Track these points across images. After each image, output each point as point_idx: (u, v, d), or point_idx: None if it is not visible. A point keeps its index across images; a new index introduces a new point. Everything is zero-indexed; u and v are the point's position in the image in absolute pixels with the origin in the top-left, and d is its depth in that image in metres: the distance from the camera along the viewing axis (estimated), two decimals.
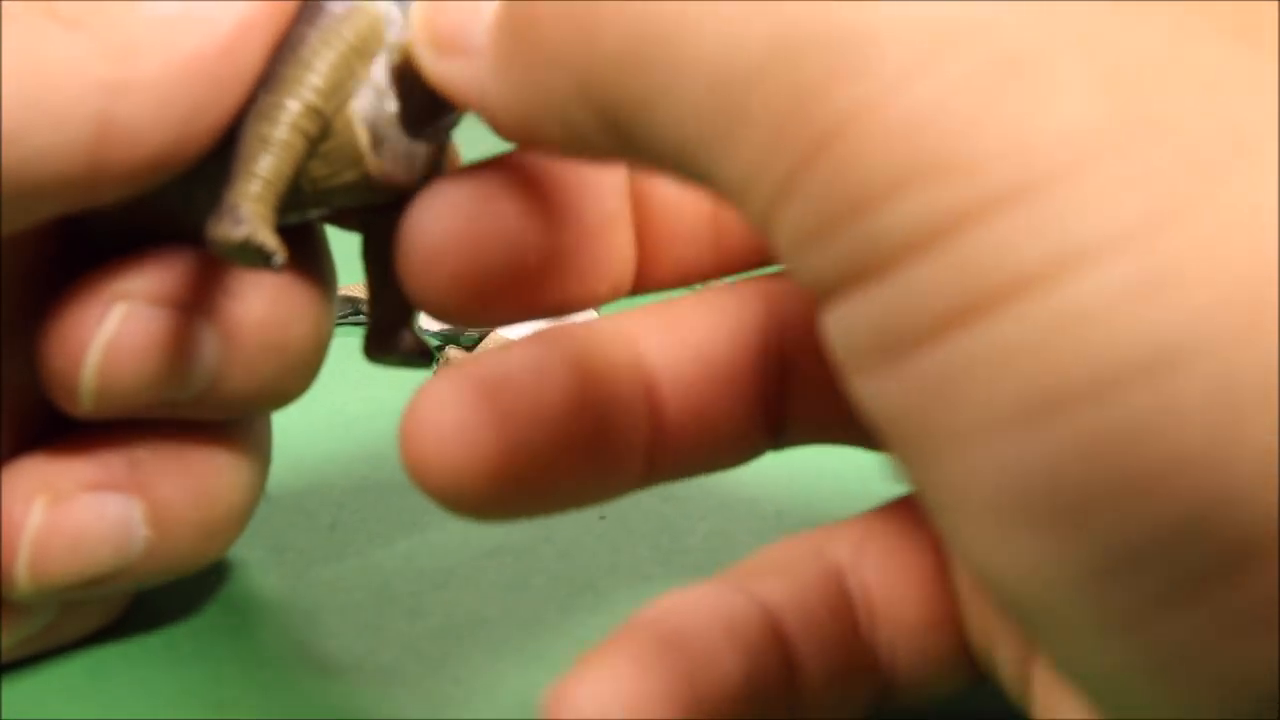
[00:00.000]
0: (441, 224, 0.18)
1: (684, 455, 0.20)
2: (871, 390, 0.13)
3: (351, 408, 0.32)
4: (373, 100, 0.19)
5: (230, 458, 0.22)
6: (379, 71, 0.19)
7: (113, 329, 0.20)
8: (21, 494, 0.21)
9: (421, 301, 0.19)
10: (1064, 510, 0.11)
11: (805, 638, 0.19)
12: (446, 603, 0.25)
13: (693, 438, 0.20)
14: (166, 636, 0.24)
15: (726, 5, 0.13)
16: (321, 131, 0.19)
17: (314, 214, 0.20)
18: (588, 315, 0.40)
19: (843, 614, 0.20)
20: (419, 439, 0.18)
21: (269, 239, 0.18)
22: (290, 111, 0.18)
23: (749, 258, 0.22)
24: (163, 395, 0.21)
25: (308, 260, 0.22)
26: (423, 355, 0.21)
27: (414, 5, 0.19)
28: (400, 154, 0.19)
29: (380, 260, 0.20)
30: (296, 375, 0.22)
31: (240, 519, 0.23)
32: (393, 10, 0.19)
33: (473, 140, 0.21)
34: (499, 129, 0.17)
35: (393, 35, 0.19)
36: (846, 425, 0.21)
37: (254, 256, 0.18)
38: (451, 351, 0.32)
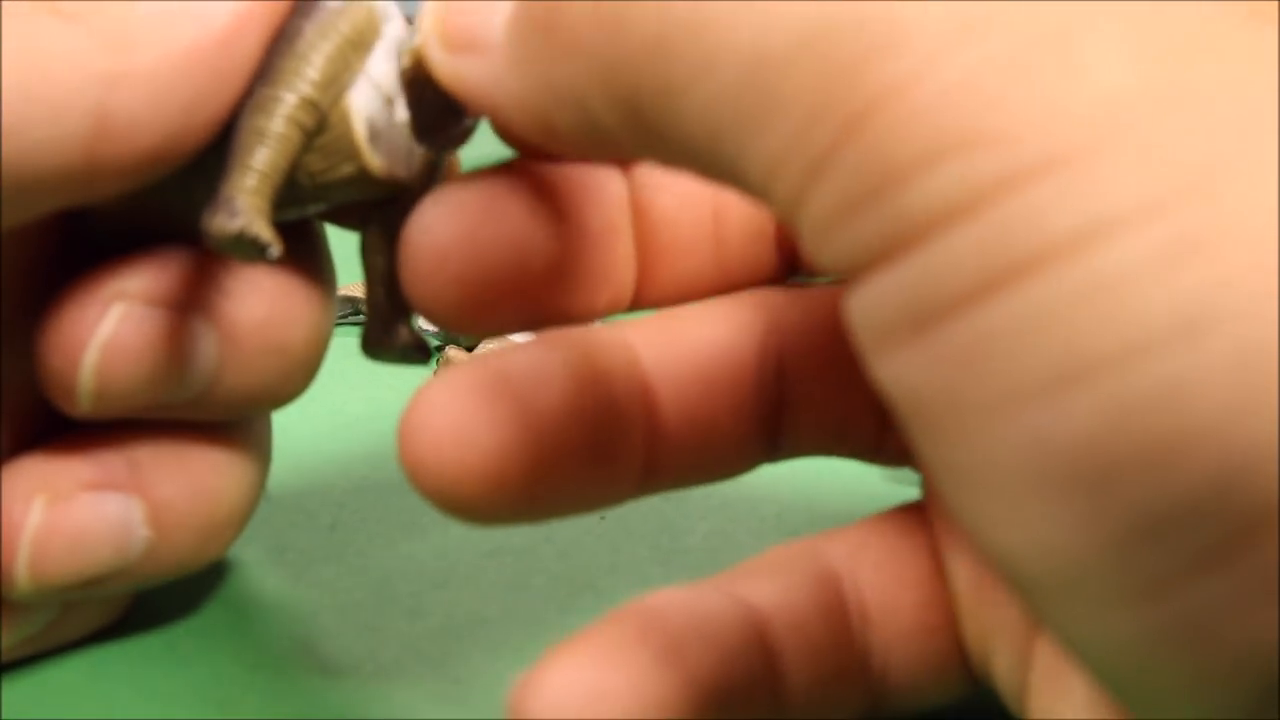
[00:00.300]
0: (444, 232, 0.18)
1: (680, 464, 0.20)
2: (898, 367, 0.13)
3: (351, 408, 0.32)
4: (369, 94, 0.19)
5: (230, 458, 0.22)
6: (376, 65, 0.19)
7: (110, 329, 0.20)
8: (21, 493, 0.21)
9: (423, 308, 0.19)
10: (1090, 479, 0.11)
11: (793, 641, 0.19)
12: (446, 603, 0.25)
13: (690, 447, 0.20)
14: (166, 636, 0.24)
15: None
16: (318, 125, 0.19)
17: (312, 209, 0.20)
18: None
19: (835, 618, 0.19)
20: (418, 441, 0.18)
21: (264, 231, 0.18)
22: (286, 104, 0.18)
23: (748, 272, 0.22)
24: (161, 396, 0.21)
25: (307, 260, 0.22)
26: (420, 352, 0.21)
27: (425, 5, 0.19)
28: (398, 148, 0.19)
29: (378, 256, 0.20)
30: (295, 376, 0.22)
31: (240, 519, 0.23)
32: (389, 5, 0.19)
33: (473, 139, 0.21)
34: (512, 127, 0.17)
35: (389, 29, 0.19)
36: (842, 439, 0.22)
37: (249, 249, 0.18)
38: (451, 350, 0.32)
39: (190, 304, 0.20)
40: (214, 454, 0.22)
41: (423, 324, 0.21)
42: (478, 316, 0.19)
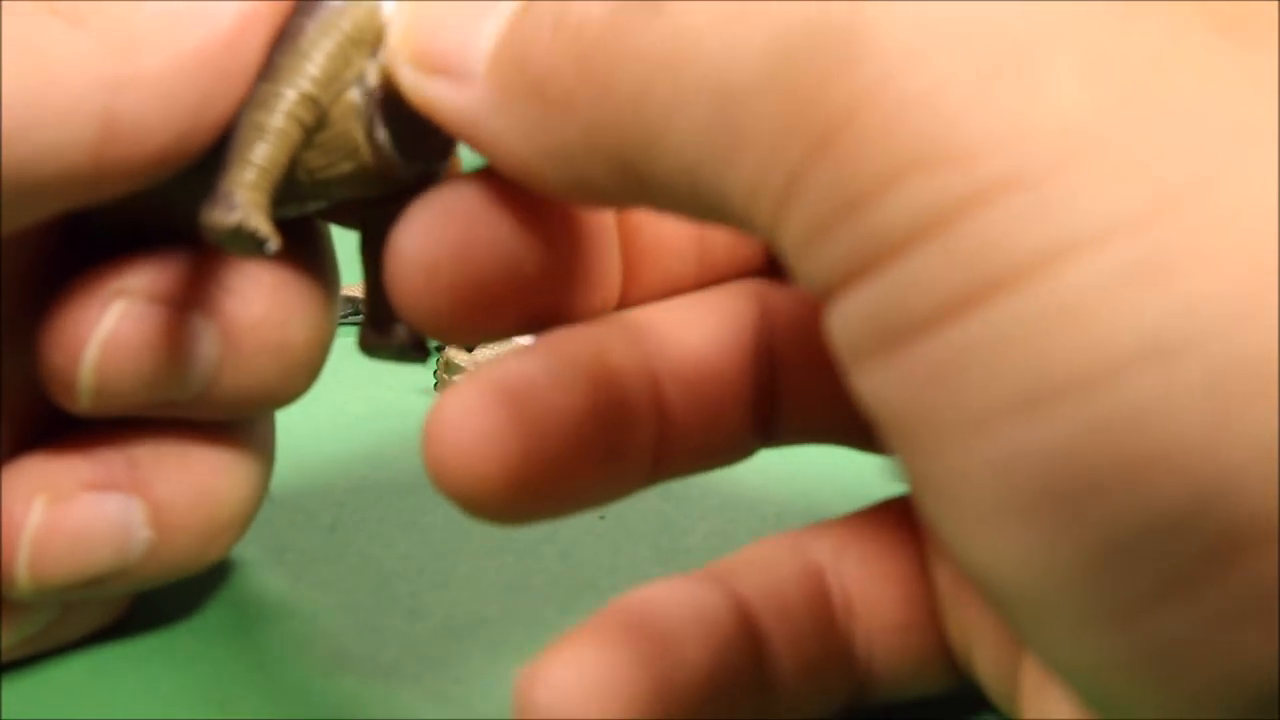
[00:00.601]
0: (433, 241, 0.18)
1: (685, 454, 0.21)
2: (872, 383, 0.13)
3: (352, 408, 0.32)
4: (370, 92, 0.19)
5: (233, 459, 0.22)
6: (377, 63, 0.19)
7: (110, 325, 0.20)
8: (22, 493, 0.21)
9: (412, 319, 0.18)
10: (1059, 499, 0.11)
11: (780, 631, 0.19)
12: (446, 603, 0.25)
13: (693, 437, 0.20)
14: (167, 636, 0.24)
15: (722, 22, 0.13)
16: (318, 121, 0.19)
17: (312, 206, 0.20)
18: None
19: (820, 610, 0.20)
20: (441, 445, 0.18)
21: (262, 225, 0.18)
22: (286, 100, 0.18)
23: (732, 269, 0.22)
24: (161, 394, 0.21)
25: (309, 260, 0.22)
26: (418, 350, 0.21)
27: (391, 8, 0.18)
28: (413, 133, 0.19)
29: (377, 253, 0.20)
30: (296, 375, 0.22)
31: (242, 521, 0.23)
32: (392, 4, 0.19)
33: None
34: (497, 167, 0.17)
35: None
36: (835, 425, 0.22)
37: (247, 243, 0.18)
38: (450, 349, 0.32)
39: (191, 301, 0.20)
40: (216, 455, 0.22)
41: None
42: (469, 325, 0.18)
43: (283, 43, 0.19)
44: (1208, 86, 0.11)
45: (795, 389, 0.21)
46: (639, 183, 0.15)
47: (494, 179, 0.19)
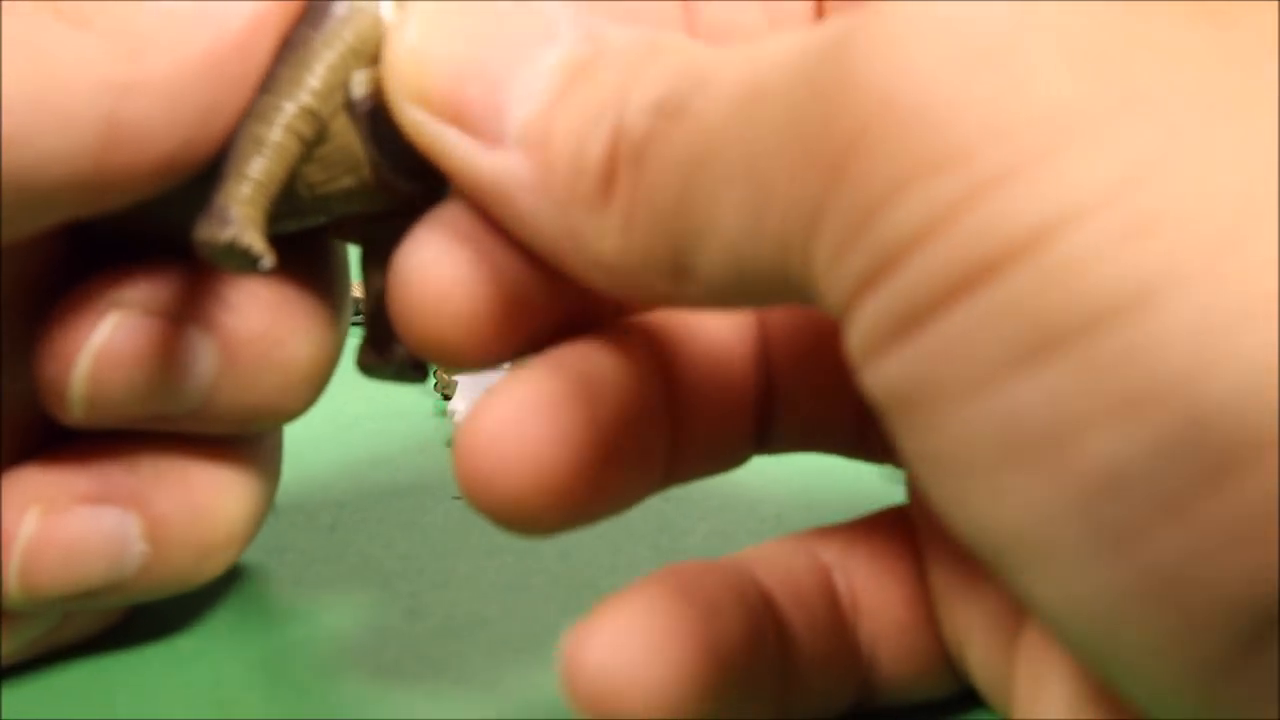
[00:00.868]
0: (438, 265, 0.17)
1: (694, 459, 0.21)
2: (883, 373, 0.13)
3: (352, 408, 0.32)
4: (360, 103, 0.19)
5: (234, 476, 0.22)
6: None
7: (104, 337, 0.20)
8: (16, 503, 0.21)
9: (415, 344, 0.18)
10: (1059, 440, 0.12)
11: (798, 615, 0.19)
12: (446, 603, 0.25)
13: (703, 441, 0.21)
14: (167, 637, 0.24)
15: (740, 108, 0.14)
16: (318, 135, 0.18)
17: (313, 221, 0.20)
18: None
19: (831, 604, 0.20)
20: (477, 457, 0.18)
21: (256, 242, 0.17)
22: (285, 113, 0.18)
23: None
24: (155, 407, 0.20)
25: (316, 277, 0.21)
26: (417, 370, 0.21)
27: (387, 9, 0.18)
28: (407, 154, 0.19)
29: (379, 271, 0.20)
30: (297, 393, 0.21)
31: (241, 539, 0.23)
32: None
33: None
34: (516, 238, 0.17)
35: None
36: (827, 433, 0.22)
37: (240, 259, 0.17)
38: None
39: (188, 315, 0.20)
40: (217, 472, 0.22)
41: None
42: (475, 352, 0.18)
43: (285, 53, 0.18)
44: (1178, 66, 0.12)
45: (790, 396, 0.21)
46: (683, 276, 0.16)
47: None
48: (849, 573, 0.20)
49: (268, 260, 0.17)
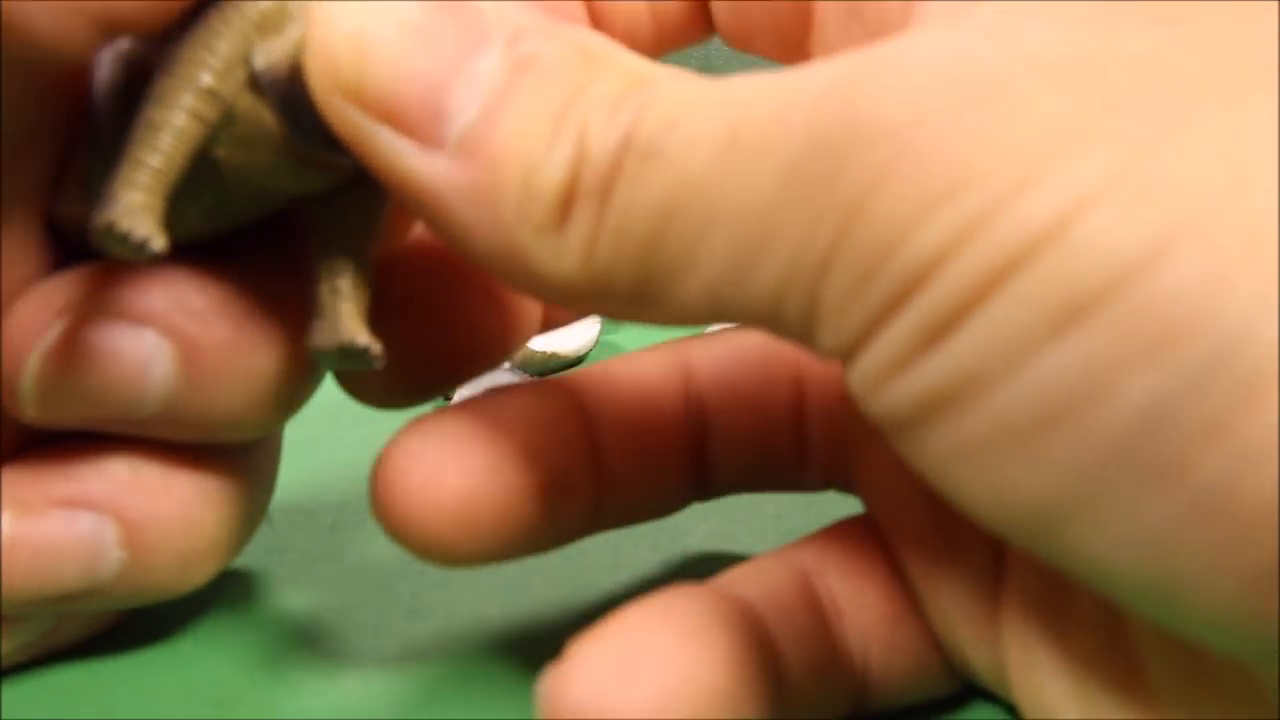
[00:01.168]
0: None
1: (625, 501, 0.22)
2: (909, 385, 0.14)
3: (352, 407, 0.32)
4: (264, 74, 0.17)
5: (217, 485, 0.21)
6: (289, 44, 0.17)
7: (55, 335, 0.19)
8: None
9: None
10: (1099, 392, 0.13)
11: (784, 632, 0.19)
12: (446, 603, 0.25)
13: (632, 484, 0.21)
14: (166, 637, 0.24)
15: (722, 157, 0.15)
16: (223, 116, 0.17)
17: (256, 209, 0.19)
18: (590, 323, 0.40)
19: (815, 611, 0.20)
20: (392, 491, 0.19)
21: (140, 226, 0.16)
22: (183, 95, 0.17)
23: None
24: (111, 410, 0.20)
25: (288, 286, 0.21)
26: (359, 357, 0.20)
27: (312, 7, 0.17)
28: (326, 129, 0.17)
29: (327, 250, 0.19)
30: (264, 404, 0.21)
31: (226, 549, 0.22)
32: None
33: None
34: (451, 247, 0.17)
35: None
36: (764, 469, 0.23)
37: (124, 244, 0.17)
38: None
39: (146, 319, 0.20)
40: (200, 480, 0.21)
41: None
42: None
43: (188, 33, 0.17)
44: (1152, 66, 0.14)
45: (724, 436, 0.22)
46: (647, 304, 0.16)
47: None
48: (825, 577, 0.21)
49: (156, 244, 0.17)
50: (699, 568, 0.27)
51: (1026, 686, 0.19)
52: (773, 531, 0.28)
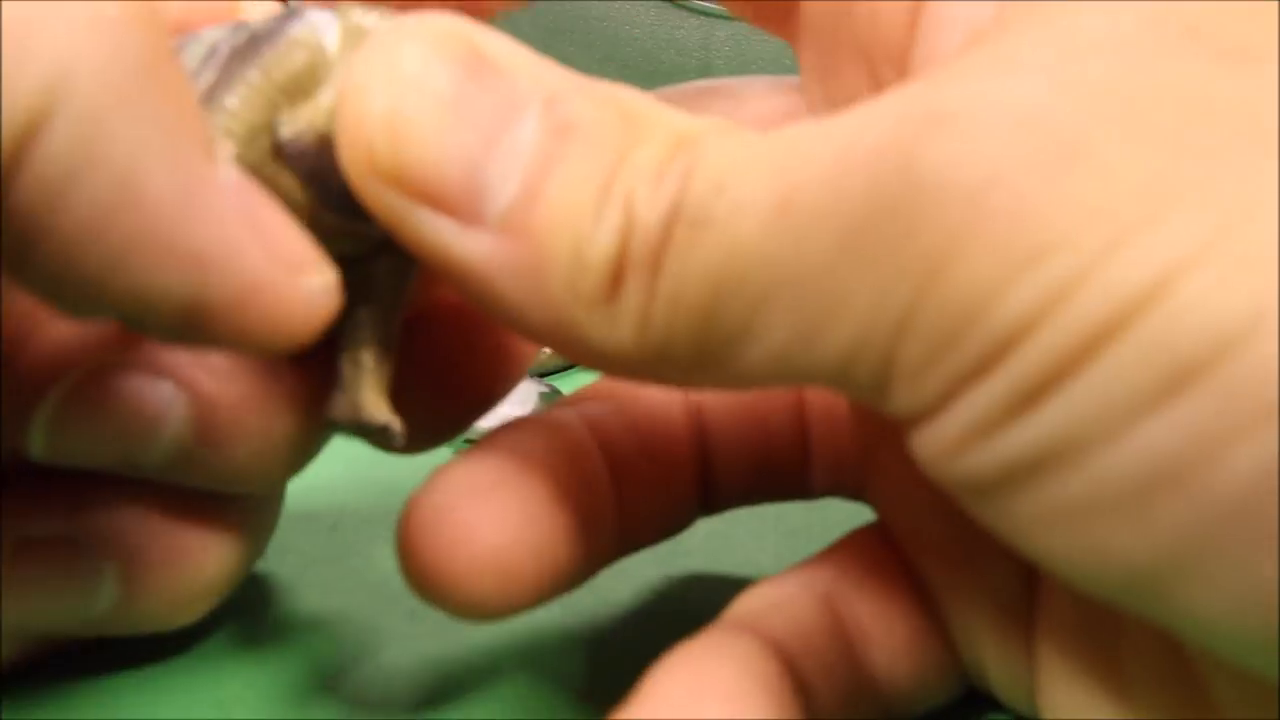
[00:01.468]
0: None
1: (640, 528, 0.21)
2: (998, 449, 0.14)
3: None
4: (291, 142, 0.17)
5: (220, 532, 0.21)
6: (322, 103, 0.17)
7: (72, 382, 0.19)
8: None
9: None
10: (1205, 462, 0.13)
11: (812, 666, 0.19)
12: None
13: (648, 509, 0.21)
14: (165, 637, 0.24)
15: (774, 223, 0.14)
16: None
17: None
18: None
19: (841, 638, 0.20)
20: (425, 547, 0.18)
21: None
22: None
23: None
24: (122, 456, 0.20)
25: (313, 347, 0.21)
26: (379, 434, 0.19)
27: (334, 42, 0.16)
28: (355, 201, 0.17)
29: (353, 317, 0.19)
30: (275, 461, 0.20)
31: (218, 593, 0.22)
32: (334, 35, 0.17)
33: None
34: (498, 321, 0.16)
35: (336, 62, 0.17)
36: (767, 478, 0.23)
37: None
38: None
39: (163, 371, 0.19)
40: (202, 526, 0.21)
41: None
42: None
43: (211, 90, 0.17)
44: (1230, 117, 0.13)
45: (725, 449, 0.22)
46: (707, 371, 0.16)
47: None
48: (848, 600, 0.20)
49: None
50: (699, 568, 0.27)
51: (1062, 710, 0.18)
52: (773, 532, 0.28)
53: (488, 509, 0.18)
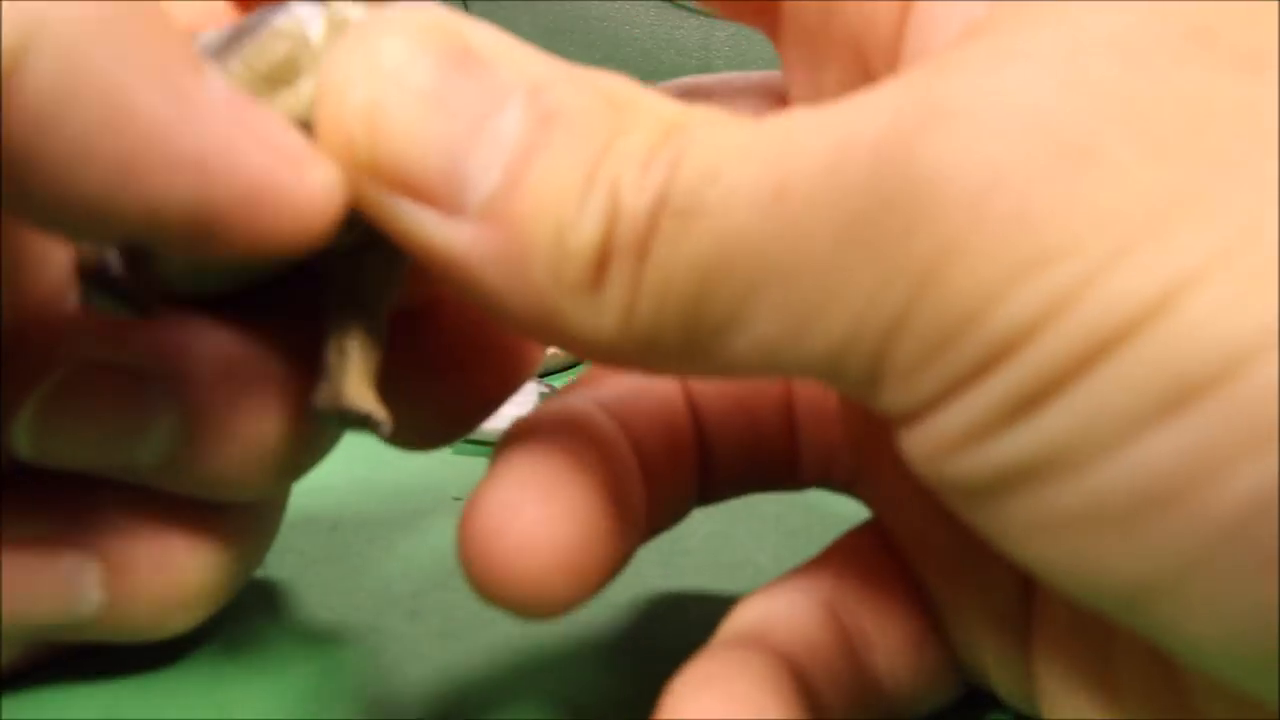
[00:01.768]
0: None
1: (655, 517, 0.21)
2: (991, 454, 0.14)
3: None
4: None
5: (210, 538, 0.21)
6: (304, 91, 0.17)
7: (58, 378, 0.19)
8: None
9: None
10: (1205, 480, 0.12)
11: (820, 675, 0.19)
12: (447, 604, 0.25)
13: (662, 498, 0.21)
14: (165, 638, 0.24)
15: (767, 212, 0.14)
16: None
17: (259, 273, 0.19)
18: None
19: (845, 645, 0.20)
20: (490, 552, 0.18)
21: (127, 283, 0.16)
22: None
23: None
24: (109, 459, 0.20)
25: (308, 347, 0.20)
26: (363, 422, 0.19)
27: (319, 31, 0.16)
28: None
29: (341, 309, 0.19)
30: (268, 469, 0.20)
31: (210, 601, 0.22)
32: (318, 26, 0.17)
33: None
34: (484, 310, 0.16)
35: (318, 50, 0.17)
36: (758, 467, 0.23)
37: (110, 301, 0.17)
38: None
39: (154, 374, 0.19)
40: (191, 532, 0.21)
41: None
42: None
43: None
44: (1245, 126, 0.13)
45: (719, 437, 0.22)
46: (694, 359, 0.15)
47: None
48: (849, 607, 0.20)
49: (140, 305, 0.17)
50: (699, 568, 0.27)
51: (1061, 711, 0.18)
52: (773, 532, 0.28)
53: (550, 509, 0.18)
